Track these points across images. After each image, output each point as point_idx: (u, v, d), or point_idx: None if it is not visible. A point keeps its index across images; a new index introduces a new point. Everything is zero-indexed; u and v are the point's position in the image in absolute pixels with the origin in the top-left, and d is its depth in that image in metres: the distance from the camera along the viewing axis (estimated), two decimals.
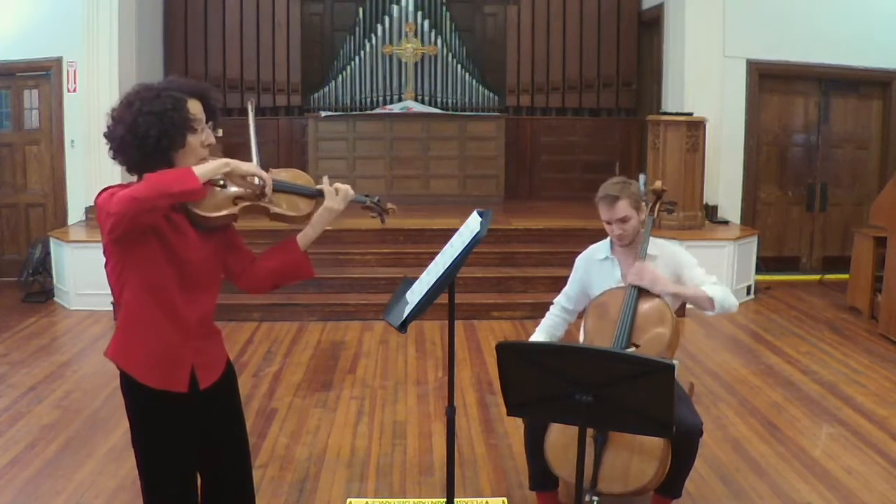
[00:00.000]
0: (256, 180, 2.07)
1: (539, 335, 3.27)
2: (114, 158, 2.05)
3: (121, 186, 1.98)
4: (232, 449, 2.30)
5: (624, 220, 3.01)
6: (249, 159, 2.23)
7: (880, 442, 3.94)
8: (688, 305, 3.31)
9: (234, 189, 2.09)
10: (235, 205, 2.09)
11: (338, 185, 2.23)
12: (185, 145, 2.03)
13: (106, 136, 2.04)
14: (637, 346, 2.84)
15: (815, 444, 3.93)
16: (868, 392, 4.66)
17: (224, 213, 2.08)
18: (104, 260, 2.08)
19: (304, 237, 2.25)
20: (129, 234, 1.94)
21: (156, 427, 2.12)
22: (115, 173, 7.50)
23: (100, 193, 1.99)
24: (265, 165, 2.17)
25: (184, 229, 2.07)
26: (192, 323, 2.11)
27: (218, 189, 2.07)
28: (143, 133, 1.97)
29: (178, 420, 2.12)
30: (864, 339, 5.80)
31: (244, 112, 2.19)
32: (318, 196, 2.21)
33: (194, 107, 2.06)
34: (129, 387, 2.11)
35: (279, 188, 2.15)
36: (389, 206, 2.40)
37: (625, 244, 3.08)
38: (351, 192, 2.24)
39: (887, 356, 5.36)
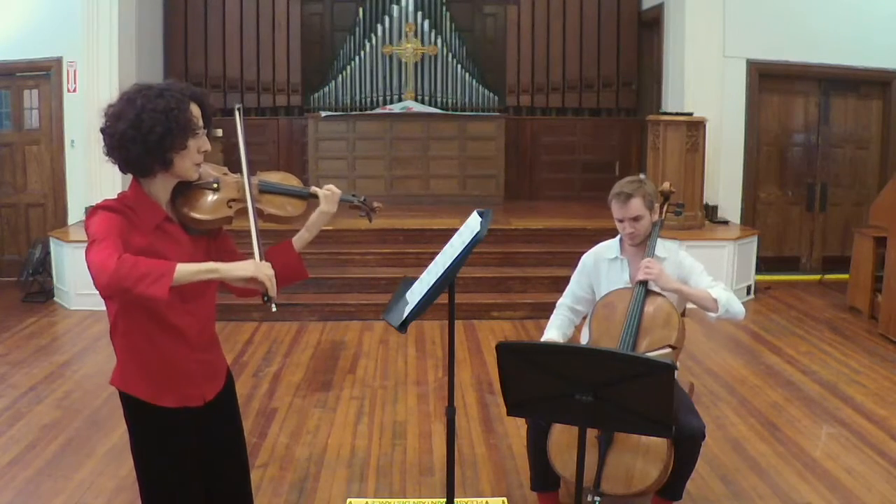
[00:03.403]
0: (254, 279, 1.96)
1: (551, 331, 3.21)
2: (108, 155, 1.99)
3: (104, 210, 1.92)
4: (232, 454, 2.29)
5: (636, 220, 2.99)
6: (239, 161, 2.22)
7: (880, 442, 3.94)
8: (688, 306, 3.30)
9: (228, 192, 2.10)
10: (230, 207, 2.09)
11: (328, 186, 2.26)
12: (185, 147, 1.98)
13: (104, 131, 1.96)
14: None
15: (815, 444, 3.93)
16: (868, 392, 4.66)
17: (219, 216, 2.08)
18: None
19: (300, 240, 2.26)
20: None
21: (165, 446, 2.07)
22: (115, 173, 7.53)
23: (91, 214, 1.93)
24: (256, 164, 2.18)
25: (177, 237, 2.04)
26: (193, 335, 2.07)
27: (211, 192, 2.08)
28: (148, 129, 1.91)
29: (186, 435, 2.09)
30: (864, 339, 5.80)
31: (244, 113, 2.19)
32: (309, 198, 2.24)
33: (195, 110, 2.03)
34: (137, 410, 2.06)
35: (272, 190, 2.18)
36: (376, 204, 2.42)
37: (635, 243, 3.07)
38: (339, 192, 2.26)
39: (887, 356, 5.36)
